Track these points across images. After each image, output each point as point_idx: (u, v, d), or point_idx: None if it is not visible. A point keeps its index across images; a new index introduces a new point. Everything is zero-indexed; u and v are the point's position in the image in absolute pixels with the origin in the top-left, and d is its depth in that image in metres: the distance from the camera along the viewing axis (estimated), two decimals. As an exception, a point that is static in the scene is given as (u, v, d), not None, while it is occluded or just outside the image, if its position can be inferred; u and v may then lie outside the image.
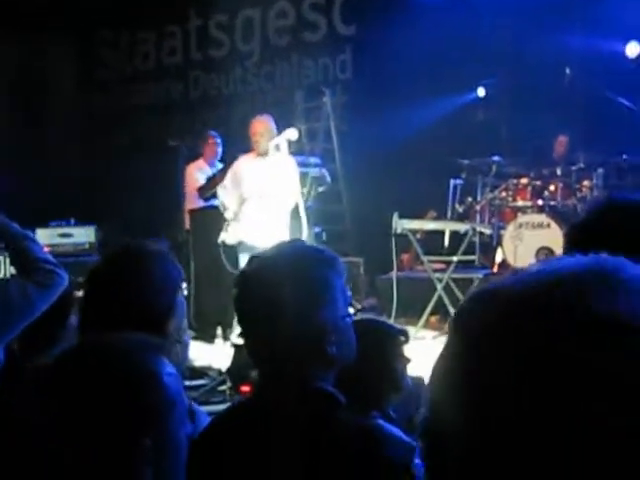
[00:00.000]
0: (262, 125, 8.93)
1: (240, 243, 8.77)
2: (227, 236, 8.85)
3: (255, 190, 8.71)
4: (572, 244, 2.20)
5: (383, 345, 3.08)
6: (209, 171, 10.75)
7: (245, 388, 6.11)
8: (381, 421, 2.51)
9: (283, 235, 8.59)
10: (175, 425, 1.77)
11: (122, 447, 1.70)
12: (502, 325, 0.91)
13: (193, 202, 10.31)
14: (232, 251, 8.89)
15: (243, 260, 8.64)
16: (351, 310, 2.42)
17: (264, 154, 8.78)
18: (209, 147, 11.02)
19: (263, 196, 8.67)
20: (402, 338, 3.21)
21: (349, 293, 2.39)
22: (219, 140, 11.07)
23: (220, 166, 10.93)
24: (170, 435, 1.76)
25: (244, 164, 8.95)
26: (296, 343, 2.20)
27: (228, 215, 8.86)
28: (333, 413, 2.19)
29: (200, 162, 10.91)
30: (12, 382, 2.84)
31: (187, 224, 10.30)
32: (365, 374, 2.80)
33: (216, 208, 9.69)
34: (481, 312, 0.95)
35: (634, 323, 0.87)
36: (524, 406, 0.86)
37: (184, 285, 3.05)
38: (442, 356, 0.98)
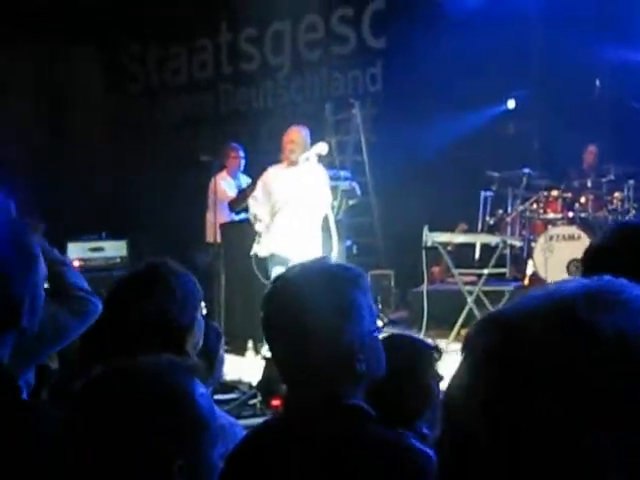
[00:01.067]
0: (298, 135, 8.94)
1: (272, 255, 8.79)
2: (259, 248, 8.86)
3: (286, 200, 8.71)
4: (586, 267, 2.23)
5: (416, 361, 3.07)
6: (233, 183, 10.81)
7: (276, 402, 6.12)
8: (411, 438, 2.51)
9: (315, 246, 8.62)
10: (208, 446, 1.79)
11: (156, 469, 1.72)
12: (504, 348, 0.94)
13: (223, 215, 10.34)
14: (264, 263, 8.90)
15: (275, 272, 8.65)
16: (379, 323, 2.43)
17: (295, 164, 8.80)
18: (232, 160, 11.09)
19: (294, 205, 8.66)
20: (435, 354, 3.21)
21: (376, 307, 2.40)
22: (242, 153, 11.14)
23: (243, 177, 11.00)
24: (203, 456, 1.77)
25: (274, 174, 8.96)
26: (325, 361, 2.21)
27: (259, 227, 8.88)
28: (364, 427, 2.21)
29: (224, 174, 10.97)
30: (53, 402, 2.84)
31: (212, 236, 10.26)
32: (397, 390, 2.80)
33: (247, 221, 9.72)
34: (484, 337, 0.98)
35: (638, 341, 0.90)
36: (532, 419, 0.89)
37: (203, 304, 3.08)
38: (454, 376, 1.02)
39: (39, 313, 2.58)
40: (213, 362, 3.29)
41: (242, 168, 11.14)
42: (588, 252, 2.34)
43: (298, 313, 2.21)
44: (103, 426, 1.72)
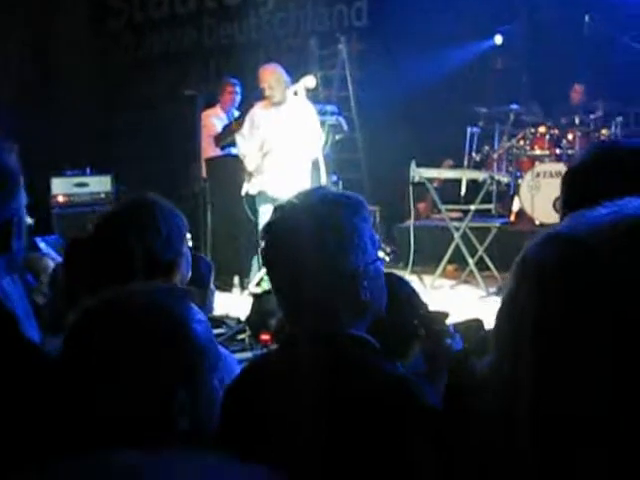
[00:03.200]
0: (270, 74, 8.88)
1: (260, 193, 8.81)
2: (249, 187, 8.88)
3: (275, 140, 8.69)
4: (565, 188, 2.25)
5: (402, 293, 3.04)
6: (225, 119, 10.69)
7: (265, 336, 6.11)
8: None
9: (305, 185, 8.59)
10: (207, 373, 1.75)
11: (157, 398, 1.68)
12: (569, 263, 0.91)
13: (210, 150, 10.24)
14: (252, 201, 8.91)
15: (263, 210, 8.71)
16: (381, 254, 2.40)
17: (279, 103, 8.74)
18: (227, 95, 10.92)
19: (284, 146, 8.66)
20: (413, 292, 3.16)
21: (376, 236, 2.36)
22: (238, 88, 10.97)
23: (237, 113, 10.87)
24: (203, 383, 1.74)
25: (261, 113, 8.91)
26: (327, 290, 2.18)
27: (250, 167, 8.86)
28: (368, 359, 2.18)
29: (217, 109, 10.83)
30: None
31: (204, 173, 10.24)
32: (389, 323, 2.78)
33: (233, 157, 9.67)
34: (546, 253, 0.94)
35: None
36: (594, 338, 0.86)
37: (189, 236, 3.04)
38: (508, 301, 0.98)
39: (23, 236, 2.56)
40: (204, 293, 3.27)
41: (237, 104, 11.00)
42: (567, 174, 2.36)
43: (299, 241, 2.19)
44: (100, 359, 1.68)
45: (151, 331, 1.69)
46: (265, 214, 8.90)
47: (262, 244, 2.31)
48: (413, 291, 3.05)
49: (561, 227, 0.97)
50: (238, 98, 10.96)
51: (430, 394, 2.13)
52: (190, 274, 2.97)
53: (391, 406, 2.03)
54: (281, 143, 8.69)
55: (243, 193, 8.94)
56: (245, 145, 8.97)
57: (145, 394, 1.66)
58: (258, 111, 8.97)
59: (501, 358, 0.96)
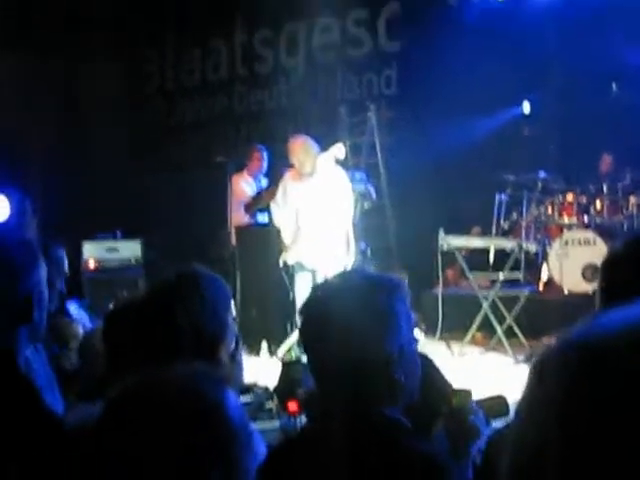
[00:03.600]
0: (299, 147, 8.98)
1: (298, 264, 8.91)
2: (287, 256, 8.98)
3: (309, 214, 8.80)
4: (603, 276, 2.22)
5: (425, 371, 3.05)
6: (253, 184, 10.79)
7: (292, 406, 6.10)
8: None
9: (338, 256, 8.72)
10: (243, 456, 1.77)
11: (192, 482, 1.70)
12: (584, 373, 0.92)
13: (239, 217, 10.34)
14: (289, 269, 9.02)
15: (300, 280, 8.82)
16: (417, 333, 2.43)
17: (310, 174, 8.84)
18: (255, 161, 11.05)
19: (318, 219, 8.76)
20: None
21: (412, 317, 2.39)
22: (265, 154, 11.10)
23: (264, 181, 10.97)
24: (238, 467, 1.76)
25: (293, 183, 9.01)
26: (364, 371, 2.21)
27: (286, 239, 8.97)
28: (401, 441, 2.19)
29: (244, 174, 10.94)
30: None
31: (233, 240, 10.31)
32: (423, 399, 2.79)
33: (263, 225, 9.76)
34: (564, 361, 0.96)
35: None
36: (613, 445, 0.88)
37: (233, 306, 3.07)
38: (528, 402, 0.99)
39: (45, 307, 2.63)
40: (232, 367, 3.28)
41: (264, 171, 11.10)
42: (606, 261, 2.33)
43: (338, 321, 2.22)
44: (135, 441, 1.70)
45: (186, 416, 1.71)
46: (301, 283, 8.96)
47: (300, 321, 2.35)
48: (436, 369, 3.07)
49: (581, 330, 0.99)
50: (265, 165, 11.08)
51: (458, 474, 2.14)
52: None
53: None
54: (314, 215, 8.78)
55: (281, 263, 9.04)
56: (280, 215, 9.08)
57: (180, 477, 1.69)
58: (290, 181, 9.07)
59: (523, 460, 0.98)
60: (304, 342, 2.35)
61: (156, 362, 2.37)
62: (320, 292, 2.34)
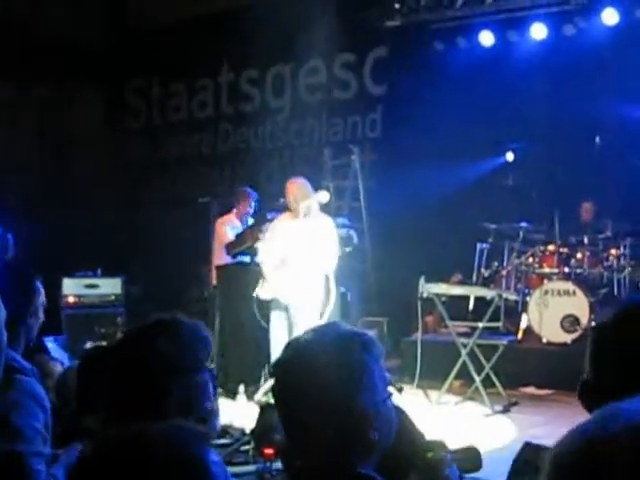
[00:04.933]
0: (298, 188, 9.10)
1: (274, 300, 8.93)
2: (262, 291, 9.00)
3: (294, 253, 8.86)
4: (599, 344, 2.19)
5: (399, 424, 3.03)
6: (240, 227, 10.78)
7: (268, 451, 6.08)
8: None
9: (316, 296, 8.77)
10: None
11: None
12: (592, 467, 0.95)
13: (220, 258, 10.33)
14: (262, 306, 9.00)
15: (274, 319, 8.86)
16: (391, 390, 2.41)
17: (303, 216, 8.92)
18: (243, 205, 10.99)
19: (302, 259, 8.82)
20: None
21: (386, 374, 2.38)
22: (253, 198, 11.05)
23: (251, 220, 10.95)
24: None
25: (283, 225, 9.09)
26: (337, 430, 2.19)
27: (266, 272, 8.99)
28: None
29: (231, 216, 10.89)
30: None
31: (214, 279, 10.30)
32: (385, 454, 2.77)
33: (244, 265, 9.75)
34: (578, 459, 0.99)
35: None
36: None
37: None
38: None
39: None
40: (208, 416, 3.26)
41: (251, 213, 11.06)
42: (595, 329, 2.29)
43: (309, 380, 2.20)
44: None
45: (167, 473, 1.70)
46: (275, 322, 9.01)
47: (272, 379, 2.34)
48: (409, 421, 3.05)
49: (593, 424, 1.01)
50: (252, 208, 11.06)
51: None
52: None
53: None
54: (299, 255, 8.85)
55: (254, 294, 9.03)
56: (264, 250, 9.14)
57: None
58: (281, 223, 9.16)
59: None
60: (277, 399, 2.34)
61: (129, 408, 2.37)
62: (292, 350, 2.33)
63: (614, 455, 0.94)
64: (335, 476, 2.19)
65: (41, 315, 4.23)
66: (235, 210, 10.96)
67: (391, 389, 2.39)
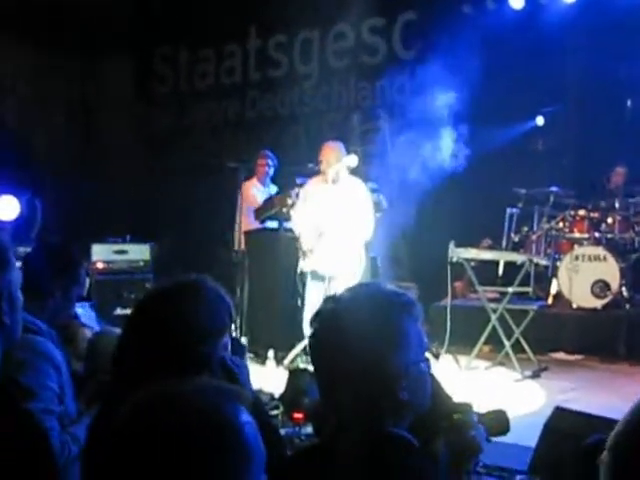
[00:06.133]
0: (332, 151, 9.07)
1: (313, 271, 8.92)
2: (305, 265, 8.99)
3: (330, 222, 8.82)
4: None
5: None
6: (263, 190, 10.79)
7: (298, 415, 6.08)
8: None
9: (355, 267, 8.75)
10: (255, 474, 1.74)
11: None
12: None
13: (249, 222, 10.33)
14: (303, 277, 9.04)
15: (312, 288, 8.85)
16: (429, 355, 2.39)
17: (334, 181, 8.89)
18: (261, 167, 11.07)
19: (338, 228, 8.79)
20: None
21: (425, 338, 2.36)
22: (271, 161, 11.11)
23: (272, 187, 10.96)
24: None
25: (316, 190, 9.04)
26: (368, 386, 2.18)
27: (305, 246, 8.97)
28: (405, 458, 2.17)
29: (254, 181, 10.98)
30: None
31: (242, 244, 10.30)
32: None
33: (272, 230, 9.74)
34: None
35: None
36: None
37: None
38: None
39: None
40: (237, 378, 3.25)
41: (271, 176, 11.12)
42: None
43: (346, 336, 2.19)
44: (148, 458, 1.67)
45: (200, 432, 1.69)
46: (313, 291, 8.97)
47: (310, 331, 2.33)
48: (437, 383, 3.02)
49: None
50: (271, 171, 11.09)
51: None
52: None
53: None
54: (336, 224, 8.80)
55: (299, 271, 9.04)
56: (300, 223, 9.09)
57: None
58: (312, 187, 9.11)
59: None
60: (312, 352, 2.33)
61: (161, 370, 2.37)
62: (332, 304, 2.32)
63: None
64: (365, 435, 2.17)
65: (84, 281, 4.27)
66: (256, 174, 11.00)
67: (428, 354, 2.37)
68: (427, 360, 2.35)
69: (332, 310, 2.30)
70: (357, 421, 2.19)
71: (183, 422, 1.70)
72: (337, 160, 8.94)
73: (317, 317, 2.32)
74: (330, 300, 2.35)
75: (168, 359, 2.58)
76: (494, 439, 2.68)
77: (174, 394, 1.80)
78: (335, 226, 8.83)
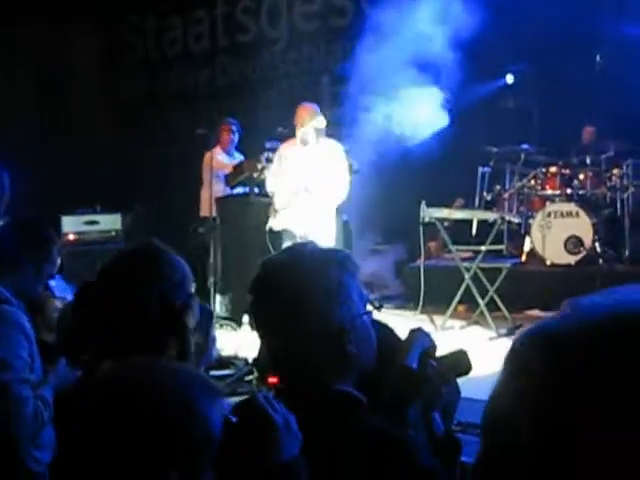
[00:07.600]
0: (307, 113, 9.01)
1: (285, 231, 8.86)
2: (274, 223, 8.94)
3: (304, 183, 8.78)
4: None
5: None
6: (228, 159, 10.75)
7: (272, 379, 6.06)
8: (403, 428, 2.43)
9: (327, 227, 8.72)
10: (212, 460, 1.70)
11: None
12: (550, 361, 0.91)
13: (219, 189, 10.27)
14: (275, 237, 8.95)
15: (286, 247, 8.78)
16: (370, 308, 2.38)
17: (307, 142, 8.85)
18: (225, 135, 11.00)
19: (313, 189, 8.74)
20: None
21: (365, 291, 2.35)
22: (235, 128, 11.05)
23: (237, 155, 10.92)
24: (204, 470, 1.69)
25: (290, 152, 8.98)
26: (314, 343, 2.17)
27: (278, 204, 8.92)
28: (352, 415, 2.15)
29: (218, 149, 10.88)
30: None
31: (207, 211, 10.23)
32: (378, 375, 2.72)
33: (243, 195, 9.70)
34: (532, 350, 0.95)
35: None
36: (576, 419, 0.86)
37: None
38: (501, 386, 0.97)
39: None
40: (205, 342, 3.24)
41: (235, 144, 11.06)
42: None
43: (285, 296, 2.19)
44: (99, 432, 1.65)
45: (155, 412, 1.65)
46: None
47: (249, 299, 2.31)
48: (396, 337, 2.98)
49: (553, 321, 0.95)
50: (236, 137, 11.03)
51: (426, 454, 2.10)
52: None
53: (374, 464, 2.01)
54: (310, 184, 8.76)
55: (267, 228, 8.98)
56: (273, 182, 9.05)
57: (135, 474, 1.62)
58: (286, 149, 9.06)
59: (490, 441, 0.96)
60: (254, 322, 2.31)
61: (124, 339, 2.36)
62: (267, 268, 2.30)
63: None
64: (312, 393, 2.16)
65: (56, 260, 4.26)
66: (220, 142, 10.92)
67: (370, 307, 2.37)
68: (370, 313, 2.34)
69: (270, 272, 2.29)
70: (304, 380, 2.19)
71: (139, 401, 1.67)
72: (312, 119, 8.91)
73: (254, 281, 2.30)
74: (266, 263, 2.34)
75: (129, 326, 2.56)
76: (472, 397, 2.66)
77: (140, 372, 1.77)
78: (309, 186, 8.79)
